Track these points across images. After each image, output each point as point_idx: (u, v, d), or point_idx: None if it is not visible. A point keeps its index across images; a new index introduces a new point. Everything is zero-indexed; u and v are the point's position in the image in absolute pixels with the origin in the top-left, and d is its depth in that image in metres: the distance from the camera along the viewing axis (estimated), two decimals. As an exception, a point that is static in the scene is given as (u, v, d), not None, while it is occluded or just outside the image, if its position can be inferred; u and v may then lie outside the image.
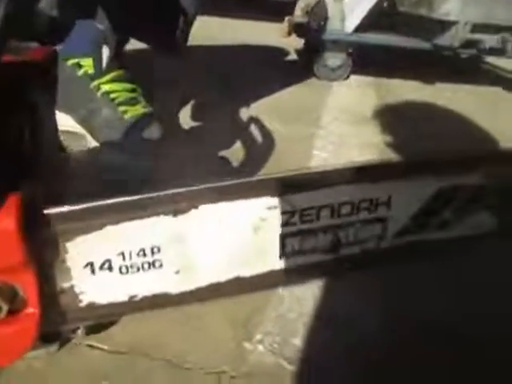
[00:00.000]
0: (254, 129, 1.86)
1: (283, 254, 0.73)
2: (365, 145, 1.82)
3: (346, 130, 2.02)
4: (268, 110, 2.18)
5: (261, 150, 1.69)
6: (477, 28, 2.81)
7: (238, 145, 1.67)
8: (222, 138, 1.72)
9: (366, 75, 3.10)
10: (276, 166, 1.59)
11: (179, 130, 1.77)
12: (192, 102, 2.05)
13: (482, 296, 0.99)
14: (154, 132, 1.43)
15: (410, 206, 0.78)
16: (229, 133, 1.80)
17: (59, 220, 0.62)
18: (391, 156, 1.71)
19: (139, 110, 1.48)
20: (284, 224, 0.70)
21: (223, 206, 0.67)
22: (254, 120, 1.93)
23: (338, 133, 1.96)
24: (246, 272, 0.72)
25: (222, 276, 0.72)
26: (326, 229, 0.74)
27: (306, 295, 0.93)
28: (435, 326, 0.92)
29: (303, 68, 3.03)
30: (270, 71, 2.98)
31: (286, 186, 0.68)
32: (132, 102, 1.49)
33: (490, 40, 2.82)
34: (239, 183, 0.66)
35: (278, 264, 0.73)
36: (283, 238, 0.71)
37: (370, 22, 2.84)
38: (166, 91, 2.07)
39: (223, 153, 1.64)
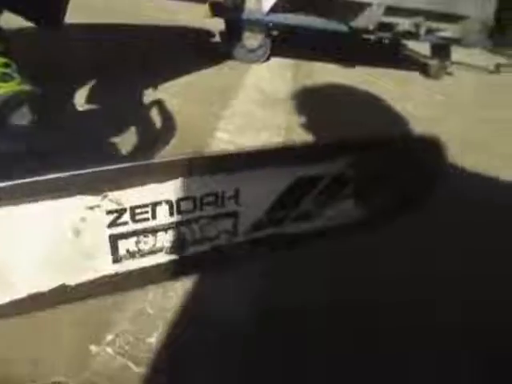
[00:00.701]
0: (155, 111, 1.76)
1: (117, 257, 0.65)
2: (269, 127, 1.77)
3: (254, 111, 1.96)
4: (180, 92, 2.08)
5: (159, 132, 1.59)
6: (392, 11, 2.84)
7: (134, 128, 1.56)
8: (116, 121, 1.60)
9: (287, 57, 3.06)
10: (173, 149, 1.50)
11: (68, 113, 1.62)
12: (96, 84, 1.91)
13: (352, 287, 0.97)
14: (25, 114, 1.28)
15: (263, 198, 0.72)
16: (127, 115, 1.68)
17: None
18: (292, 138, 1.67)
19: (13, 87, 1.32)
20: (111, 224, 0.62)
21: (32, 207, 0.57)
22: (156, 102, 1.83)
23: (246, 114, 1.90)
24: (71, 280, 0.63)
25: (44, 285, 0.62)
26: (167, 227, 0.67)
27: (173, 288, 0.86)
28: (302, 317, 0.89)
29: (223, 49, 2.93)
30: (189, 52, 2.87)
31: (105, 182, 0.59)
32: (5, 78, 1.32)
33: (404, 24, 2.86)
34: (46, 180, 0.56)
35: (112, 269, 0.65)
36: (113, 239, 0.63)
37: (288, 3, 2.78)
38: (67, 72, 1.91)
39: (118, 137, 1.52)
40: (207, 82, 2.36)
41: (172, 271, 0.70)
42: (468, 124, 2.29)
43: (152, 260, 0.68)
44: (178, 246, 0.69)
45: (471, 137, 2.05)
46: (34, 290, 0.63)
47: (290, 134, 1.69)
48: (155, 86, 2.10)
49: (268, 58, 2.94)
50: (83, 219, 0.60)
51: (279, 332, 0.84)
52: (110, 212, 0.61)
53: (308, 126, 1.84)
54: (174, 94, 2.03)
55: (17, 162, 1.11)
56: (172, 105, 1.87)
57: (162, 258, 0.69)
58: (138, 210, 0.63)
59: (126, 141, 1.49)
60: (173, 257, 0.70)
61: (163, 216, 0.65)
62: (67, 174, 0.57)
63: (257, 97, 2.16)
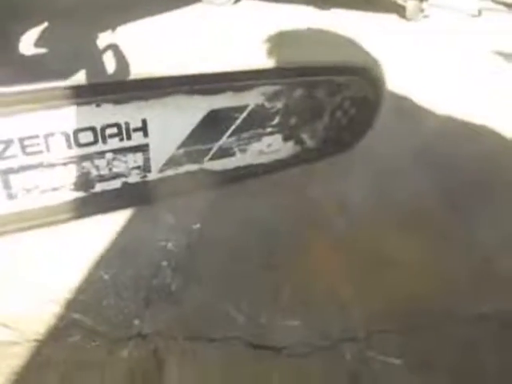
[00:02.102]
0: (110, 53, 1.68)
1: (11, 194, 0.60)
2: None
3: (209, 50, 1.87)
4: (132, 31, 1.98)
5: (112, 74, 1.52)
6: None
7: (83, 72, 1.48)
8: (64, 64, 1.51)
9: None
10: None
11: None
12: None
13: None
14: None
15: (176, 130, 0.68)
16: (79, 54, 1.60)
17: None
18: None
19: None
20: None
21: None
22: (111, 46, 1.73)
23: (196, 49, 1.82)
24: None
25: None
26: (66, 162, 0.62)
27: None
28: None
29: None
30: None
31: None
32: None
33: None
34: None
35: (6, 206, 0.61)
36: (2, 174, 0.58)
37: None
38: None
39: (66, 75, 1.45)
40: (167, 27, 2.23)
41: (79, 209, 0.66)
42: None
43: (53, 197, 0.64)
44: (81, 182, 0.65)
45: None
46: None
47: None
48: (113, 29, 1.99)
49: (236, 1, 2.79)
50: (-38, 151, 0.55)
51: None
52: (-6, 143, 0.56)
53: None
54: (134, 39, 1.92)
55: None
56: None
57: (66, 196, 0.65)
58: (27, 142, 0.58)
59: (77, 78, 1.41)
60: (78, 194, 0.65)
61: (59, 149, 0.60)
62: None
63: (219, 38, 2.06)
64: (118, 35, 1.95)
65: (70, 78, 1.41)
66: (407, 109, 1.61)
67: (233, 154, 0.74)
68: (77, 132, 0.60)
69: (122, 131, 0.63)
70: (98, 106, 0.60)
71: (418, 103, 1.64)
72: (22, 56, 1.66)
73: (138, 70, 1.52)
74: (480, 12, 3.46)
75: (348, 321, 0.81)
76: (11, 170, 0.59)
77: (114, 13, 2.13)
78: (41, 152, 0.59)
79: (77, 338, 0.71)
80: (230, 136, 0.72)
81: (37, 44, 1.77)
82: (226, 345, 0.74)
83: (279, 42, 2.07)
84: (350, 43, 2.08)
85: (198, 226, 0.88)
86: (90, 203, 0.67)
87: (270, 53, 1.97)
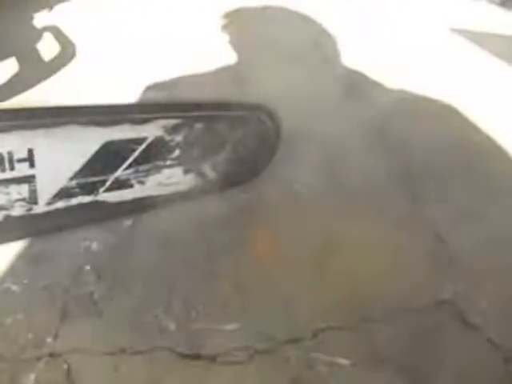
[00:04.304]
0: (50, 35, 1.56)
1: None
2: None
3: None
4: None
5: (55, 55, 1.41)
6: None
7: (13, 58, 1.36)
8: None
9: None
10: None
11: None
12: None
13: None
14: None
15: (67, 162, 0.65)
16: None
17: None
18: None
19: None
20: None
21: None
22: (50, 28, 1.61)
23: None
24: None
25: None
26: None
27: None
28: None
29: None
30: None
31: None
32: None
33: None
34: None
35: None
36: None
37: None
38: None
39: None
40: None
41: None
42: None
43: None
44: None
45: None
46: None
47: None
48: (50, 7, 1.84)
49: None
50: None
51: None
52: None
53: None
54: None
55: None
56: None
57: None
58: None
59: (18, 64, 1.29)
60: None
61: None
62: None
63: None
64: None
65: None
66: (359, 86, 1.56)
67: (130, 186, 0.73)
68: (-50, 162, 0.55)
69: (5, 161, 0.59)
70: (-24, 133, 0.55)
71: (372, 80, 1.58)
72: None
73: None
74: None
75: (292, 320, 0.76)
76: None
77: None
78: None
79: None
80: (127, 168, 0.71)
81: None
82: (154, 357, 0.68)
83: (235, 19, 2.00)
84: (304, 20, 2.05)
85: (129, 222, 0.79)
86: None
87: (226, 29, 1.89)
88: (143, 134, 0.69)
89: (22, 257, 0.73)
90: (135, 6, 2.11)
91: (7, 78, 1.35)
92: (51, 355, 0.64)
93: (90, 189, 0.69)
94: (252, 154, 0.86)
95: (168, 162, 0.75)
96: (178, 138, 0.74)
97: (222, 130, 0.79)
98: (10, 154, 0.59)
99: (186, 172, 0.79)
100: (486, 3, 2.43)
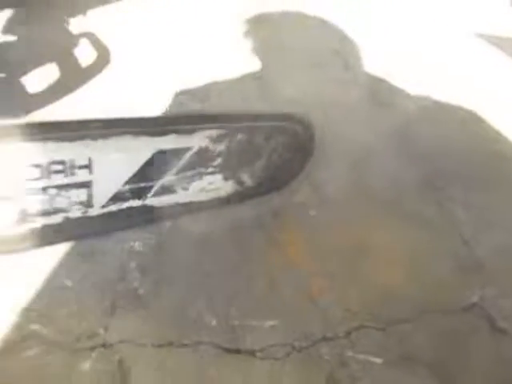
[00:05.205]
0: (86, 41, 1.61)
1: None
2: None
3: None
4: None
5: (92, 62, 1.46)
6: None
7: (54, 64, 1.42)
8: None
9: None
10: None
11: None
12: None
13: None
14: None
15: (121, 169, 0.70)
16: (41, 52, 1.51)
17: None
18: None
19: None
20: None
21: None
22: (85, 34, 1.66)
23: None
24: None
25: None
26: (9, 196, 0.62)
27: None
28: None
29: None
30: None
31: None
32: None
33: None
34: None
35: None
36: None
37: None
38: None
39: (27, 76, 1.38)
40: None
41: (20, 243, 0.66)
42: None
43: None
44: (24, 216, 0.65)
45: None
46: None
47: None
48: (84, 13, 1.88)
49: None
50: None
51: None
52: None
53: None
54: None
55: None
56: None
57: (7, 230, 0.65)
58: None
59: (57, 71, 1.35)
60: (20, 228, 0.65)
61: (4, 183, 0.61)
62: None
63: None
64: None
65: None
66: (383, 93, 1.56)
67: (174, 192, 0.78)
68: (24, 167, 0.61)
69: (67, 168, 0.65)
70: (44, 142, 0.62)
71: (395, 86, 1.58)
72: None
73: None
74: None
75: (326, 319, 0.79)
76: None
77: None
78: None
79: (35, 351, 0.68)
80: (173, 175, 0.76)
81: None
82: (198, 350, 0.72)
83: (256, 26, 2.00)
84: (324, 26, 2.04)
85: (169, 223, 0.84)
86: (30, 237, 0.67)
87: (248, 36, 1.88)
88: (190, 144, 0.75)
89: (74, 255, 0.78)
90: (158, 16, 2.13)
91: (49, 83, 1.41)
92: (104, 346, 0.69)
93: (139, 194, 0.74)
94: (286, 161, 0.90)
95: (210, 170, 0.80)
96: (221, 147, 0.79)
97: (260, 139, 0.84)
98: (71, 161, 0.65)
99: (225, 179, 0.83)
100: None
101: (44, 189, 0.64)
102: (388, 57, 1.79)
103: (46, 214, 0.66)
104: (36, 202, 0.64)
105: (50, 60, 1.55)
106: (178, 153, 0.75)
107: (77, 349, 0.70)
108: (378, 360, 0.74)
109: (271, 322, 0.78)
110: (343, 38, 2.06)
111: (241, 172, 0.85)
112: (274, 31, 2.07)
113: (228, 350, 0.73)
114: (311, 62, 1.83)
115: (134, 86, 1.48)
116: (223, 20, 2.03)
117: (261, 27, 2.13)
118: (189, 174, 0.78)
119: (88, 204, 0.69)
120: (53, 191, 0.65)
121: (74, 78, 1.47)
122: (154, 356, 0.70)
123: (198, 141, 0.76)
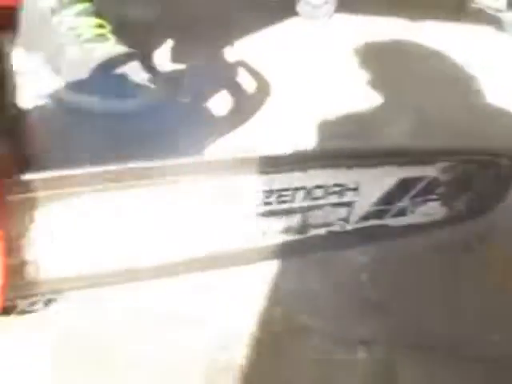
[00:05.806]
0: (242, 72, 1.73)
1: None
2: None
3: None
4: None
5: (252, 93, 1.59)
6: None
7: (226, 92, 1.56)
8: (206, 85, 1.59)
9: (352, 13, 2.60)
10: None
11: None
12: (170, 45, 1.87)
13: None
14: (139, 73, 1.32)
15: (374, 193, 0.83)
16: (214, 79, 1.66)
17: (31, 186, 0.59)
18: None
19: (109, 47, 1.37)
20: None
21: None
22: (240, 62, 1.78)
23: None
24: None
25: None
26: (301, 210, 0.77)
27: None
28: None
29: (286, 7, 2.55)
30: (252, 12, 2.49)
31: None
32: (100, 39, 1.37)
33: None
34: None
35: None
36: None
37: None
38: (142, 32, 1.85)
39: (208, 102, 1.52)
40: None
41: (293, 250, 0.81)
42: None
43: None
44: (302, 227, 0.79)
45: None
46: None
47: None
48: (231, 44, 1.96)
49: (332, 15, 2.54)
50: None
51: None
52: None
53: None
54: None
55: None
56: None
57: (288, 237, 0.79)
58: (283, 193, 0.73)
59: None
60: (296, 237, 0.80)
61: (299, 200, 0.75)
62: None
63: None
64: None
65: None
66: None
67: (405, 214, 0.89)
68: (313, 188, 0.76)
69: (342, 190, 0.79)
70: (333, 169, 0.76)
71: None
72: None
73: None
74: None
75: None
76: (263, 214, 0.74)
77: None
78: (286, 202, 0.75)
79: (316, 341, 0.79)
80: (408, 199, 0.87)
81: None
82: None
83: (368, 55, 2.00)
84: (438, 55, 2.04)
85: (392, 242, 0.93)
86: (301, 246, 0.81)
87: (361, 65, 1.90)
88: (426, 173, 0.86)
89: (314, 262, 0.93)
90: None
91: (227, 111, 1.54)
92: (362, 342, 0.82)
93: (381, 214, 0.86)
94: (492, 191, 0.99)
95: (433, 197, 0.91)
96: (446, 177, 0.89)
97: (474, 171, 0.94)
98: (344, 185, 0.79)
99: (442, 205, 0.94)
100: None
101: (321, 206, 0.78)
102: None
103: (317, 226, 0.80)
104: (316, 217, 0.79)
105: (222, 87, 1.68)
106: (416, 181, 0.86)
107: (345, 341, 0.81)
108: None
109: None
110: (459, 67, 2.05)
111: (455, 199, 0.95)
112: (388, 60, 2.08)
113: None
114: (452, 91, 1.84)
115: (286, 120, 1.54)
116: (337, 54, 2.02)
117: (373, 57, 2.12)
118: (418, 200, 0.89)
119: (346, 220, 0.83)
120: (328, 208, 0.79)
121: (247, 104, 1.59)
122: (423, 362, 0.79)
123: (432, 171, 0.87)
